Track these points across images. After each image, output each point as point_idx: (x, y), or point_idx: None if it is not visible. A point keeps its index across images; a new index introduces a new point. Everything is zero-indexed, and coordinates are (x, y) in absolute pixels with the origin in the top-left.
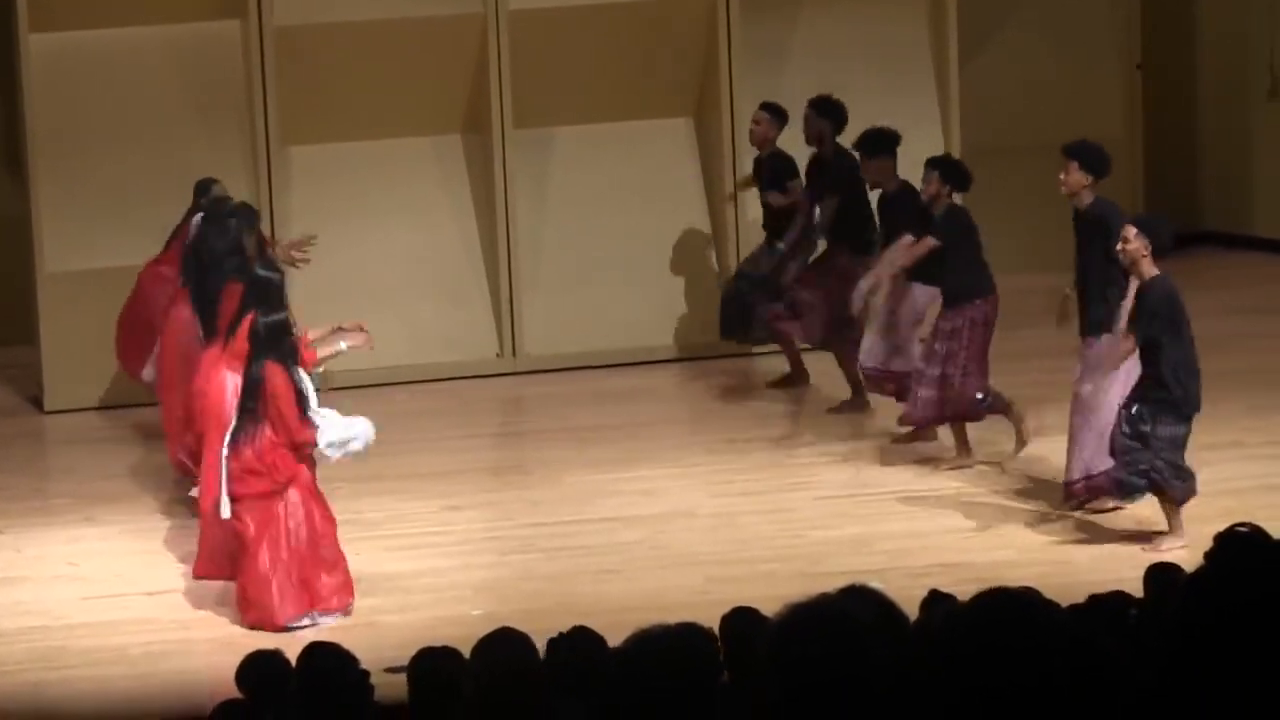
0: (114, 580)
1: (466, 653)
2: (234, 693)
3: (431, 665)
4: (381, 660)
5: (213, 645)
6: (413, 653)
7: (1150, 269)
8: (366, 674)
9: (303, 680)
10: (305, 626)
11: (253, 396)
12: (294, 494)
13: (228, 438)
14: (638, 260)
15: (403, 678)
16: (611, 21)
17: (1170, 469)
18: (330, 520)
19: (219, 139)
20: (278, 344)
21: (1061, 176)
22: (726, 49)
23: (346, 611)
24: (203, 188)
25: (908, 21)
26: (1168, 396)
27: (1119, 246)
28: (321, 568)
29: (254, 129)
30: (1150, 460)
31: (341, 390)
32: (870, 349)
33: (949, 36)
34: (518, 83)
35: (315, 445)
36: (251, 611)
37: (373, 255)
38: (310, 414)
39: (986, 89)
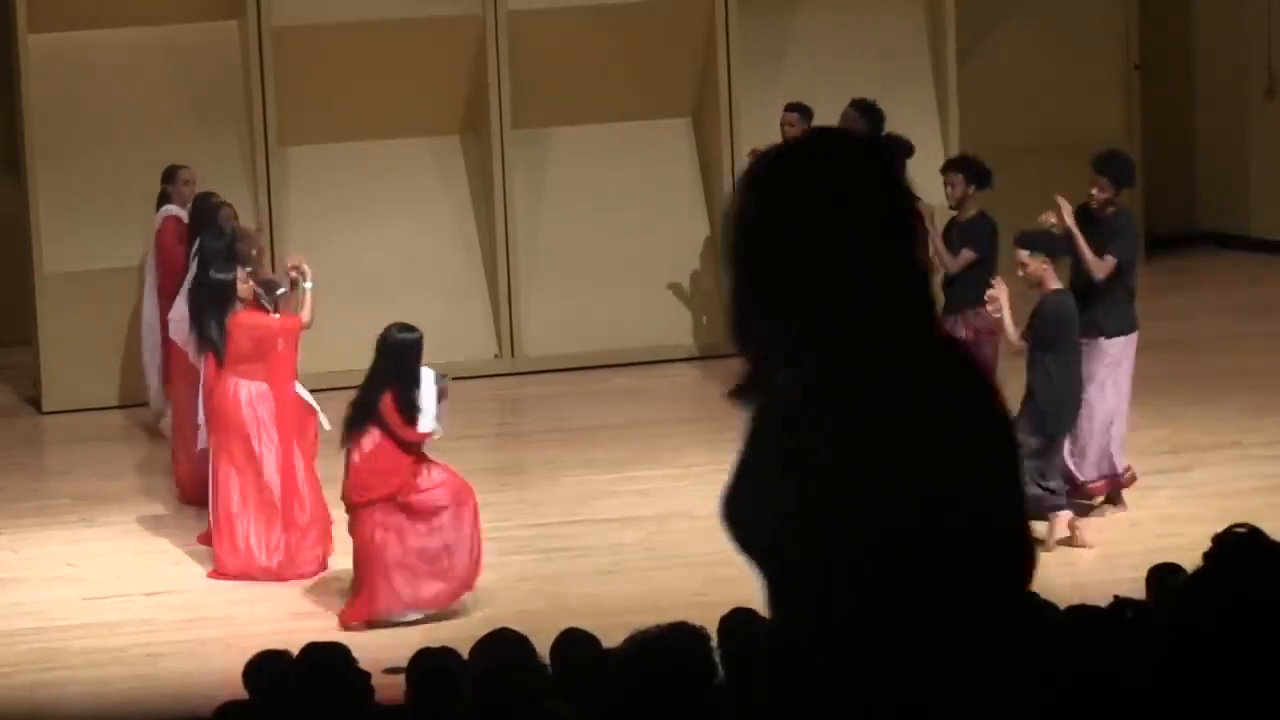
0: (113, 581)
1: (465, 653)
2: (234, 693)
3: (430, 665)
4: (381, 660)
5: (212, 646)
6: (412, 653)
7: (1053, 282)
8: (366, 674)
9: (302, 680)
10: (410, 621)
11: (366, 410)
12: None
13: (345, 446)
14: (636, 261)
15: (402, 678)
16: (610, 22)
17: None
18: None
19: (217, 139)
20: (403, 364)
21: (1094, 192)
22: (725, 49)
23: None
24: (169, 174)
25: (906, 21)
26: (1034, 408)
27: (1019, 273)
28: (431, 570)
29: (252, 129)
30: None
31: (339, 390)
32: None
33: (947, 36)
34: (516, 83)
35: (426, 440)
36: (359, 608)
37: (371, 256)
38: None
39: (985, 88)
